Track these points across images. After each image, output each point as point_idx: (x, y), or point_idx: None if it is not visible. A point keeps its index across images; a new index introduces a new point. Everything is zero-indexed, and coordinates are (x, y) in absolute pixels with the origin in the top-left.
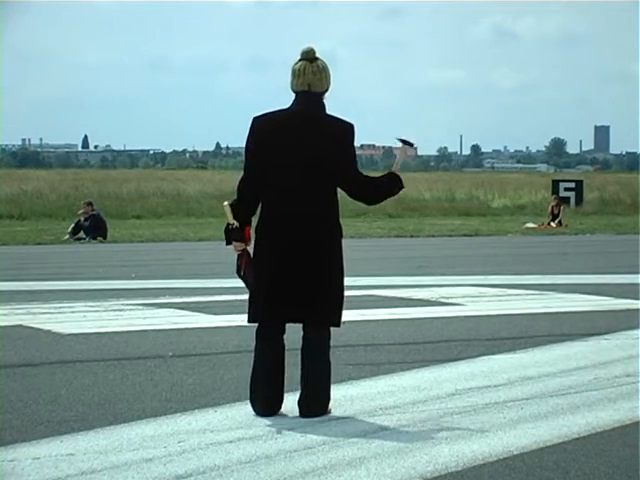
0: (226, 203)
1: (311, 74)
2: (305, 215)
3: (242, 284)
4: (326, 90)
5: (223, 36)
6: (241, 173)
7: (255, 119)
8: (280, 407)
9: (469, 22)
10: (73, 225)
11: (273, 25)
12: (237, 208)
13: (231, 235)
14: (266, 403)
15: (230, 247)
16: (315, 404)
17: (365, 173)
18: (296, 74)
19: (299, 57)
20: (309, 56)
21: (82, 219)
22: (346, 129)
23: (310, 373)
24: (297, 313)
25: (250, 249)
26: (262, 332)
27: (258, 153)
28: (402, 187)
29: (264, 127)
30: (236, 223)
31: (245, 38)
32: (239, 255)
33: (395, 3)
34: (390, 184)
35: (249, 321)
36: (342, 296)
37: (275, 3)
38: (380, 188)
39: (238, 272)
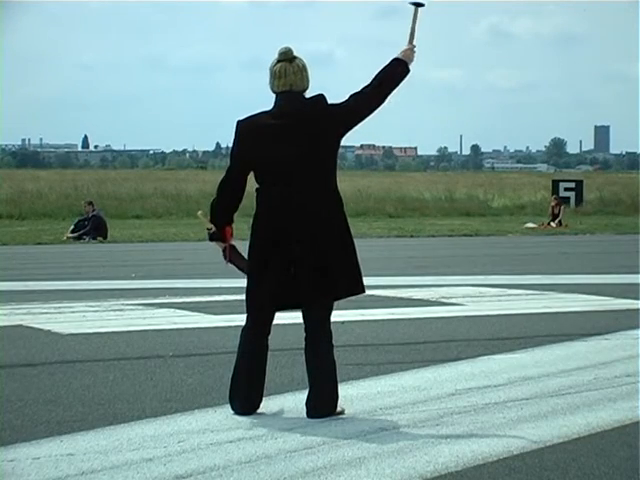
0: (200, 212)
1: (292, 75)
2: (301, 198)
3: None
4: (307, 88)
5: (221, 36)
6: None
7: (239, 122)
8: (259, 407)
9: (468, 22)
10: (73, 225)
11: (270, 25)
12: (216, 208)
13: (211, 237)
14: (246, 403)
15: (213, 243)
16: (321, 405)
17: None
18: (277, 75)
19: (277, 58)
20: (288, 56)
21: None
22: (319, 101)
23: (315, 374)
24: (302, 294)
25: (237, 245)
26: (247, 332)
27: (245, 154)
28: (406, 69)
29: (249, 129)
30: (213, 228)
31: (244, 38)
32: (224, 249)
33: (392, 3)
34: (391, 72)
35: (248, 312)
36: (356, 266)
37: (270, 3)
38: (380, 87)
39: (224, 258)
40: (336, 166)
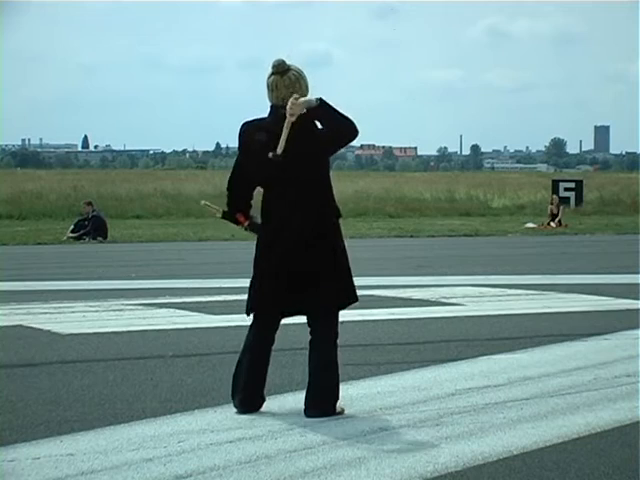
0: (202, 202)
1: (284, 88)
2: (301, 204)
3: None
4: None
5: (220, 36)
6: None
7: (243, 125)
8: (261, 404)
9: (467, 22)
10: (73, 225)
11: (269, 25)
12: (229, 200)
13: (223, 216)
14: (247, 398)
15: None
16: (318, 404)
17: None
18: (270, 88)
19: (270, 70)
20: (279, 69)
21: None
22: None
23: (315, 373)
24: (303, 302)
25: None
26: (256, 326)
27: (248, 154)
28: (320, 102)
29: (250, 132)
30: (218, 212)
31: (243, 38)
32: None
33: (390, 3)
34: (324, 110)
35: (247, 313)
36: (349, 274)
37: (269, 3)
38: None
39: (239, 225)
40: (329, 173)
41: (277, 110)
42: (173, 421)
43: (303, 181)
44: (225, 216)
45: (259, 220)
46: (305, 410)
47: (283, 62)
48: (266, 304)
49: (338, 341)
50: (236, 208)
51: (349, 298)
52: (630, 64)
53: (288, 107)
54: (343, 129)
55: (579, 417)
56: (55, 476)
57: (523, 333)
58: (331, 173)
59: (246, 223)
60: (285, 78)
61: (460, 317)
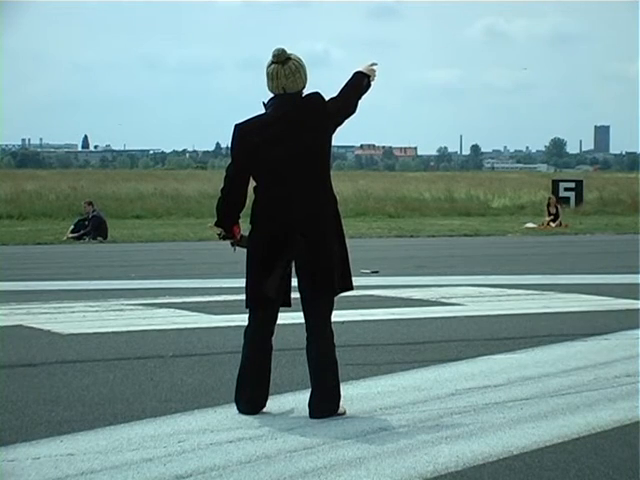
0: (209, 225)
1: (284, 77)
2: (300, 196)
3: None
4: (303, 87)
5: (220, 36)
6: None
7: (237, 126)
8: (264, 406)
9: (466, 22)
10: (73, 225)
11: (267, 25)
12: (222, 212)
13: (223, 238)
14: (251, 403)
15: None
16: (324, 405)
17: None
18: (270, 77)
19: (270, 59)
20: (280, 59)
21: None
22: (313, 99)
23: (317, 374)
24: (305, 291)
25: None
26: (250, 333)
27: (243, 157)
28: (369, 82)
29: (246, 132)
30: (223, 232)
31: (242, 38)
32: (232, 243)
33: (387, 3)
34: (357, 82)
35: (247, 306)
36: (347, 263)
37: (264, 3)
38: (351, 93)
39: (232, 245)
40: (330, 165)
41: (276, 99)
42: (173, 421)
43: (304, 177)
44: (225, 238)
45: (246, 234)
46: (310, 412)
47: (284, 51)
48: (265, 292)
49: (337, 341)
50: (230, 220)
51: (345, 284)
52: (630, 64)
53: (372, 74)
54: (354, 104)
55: (579, 417)
56: (55, 476)
57: (523, 333)
58: (331, 173)
59: (239, 235)
60: (286, 67)
61: (460, 317)
